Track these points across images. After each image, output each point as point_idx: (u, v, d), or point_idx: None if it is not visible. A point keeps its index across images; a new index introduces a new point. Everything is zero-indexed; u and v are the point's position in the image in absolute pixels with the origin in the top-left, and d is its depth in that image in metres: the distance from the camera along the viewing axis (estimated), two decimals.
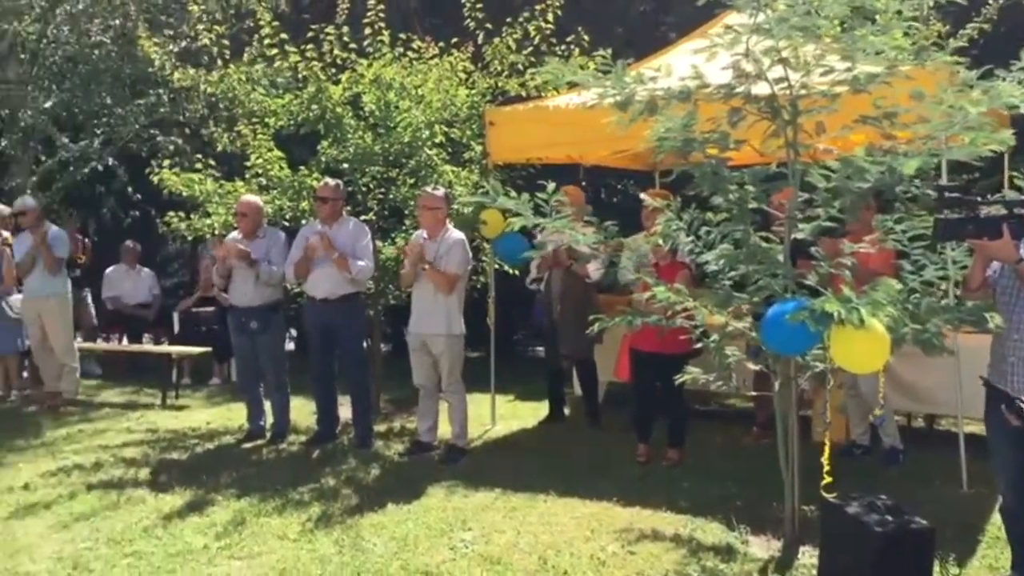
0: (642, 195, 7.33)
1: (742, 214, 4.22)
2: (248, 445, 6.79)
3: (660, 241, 4.90)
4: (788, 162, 4.25)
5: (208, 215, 7.47)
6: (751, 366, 4.61)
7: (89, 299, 10.01)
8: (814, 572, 4.08)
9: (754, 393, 6.40)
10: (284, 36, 7.32)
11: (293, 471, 5.98)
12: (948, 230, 3.54)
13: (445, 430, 6.52)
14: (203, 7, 8.67)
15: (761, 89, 4.18)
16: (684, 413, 6.14)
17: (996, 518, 4.74)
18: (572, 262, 6.85)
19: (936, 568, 3.90)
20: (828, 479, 3.93)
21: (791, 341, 3.78)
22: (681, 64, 4.34)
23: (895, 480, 5.41)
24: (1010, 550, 3.87)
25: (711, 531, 4.71)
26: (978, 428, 6.43)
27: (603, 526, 4.82)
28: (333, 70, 7.33)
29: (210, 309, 9.77)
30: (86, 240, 9.89)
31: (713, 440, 6.60)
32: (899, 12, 3.83)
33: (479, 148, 7.46)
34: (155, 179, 7.66)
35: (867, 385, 5.71)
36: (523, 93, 7.49)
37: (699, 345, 4.59)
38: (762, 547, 4.48)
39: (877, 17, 3.88)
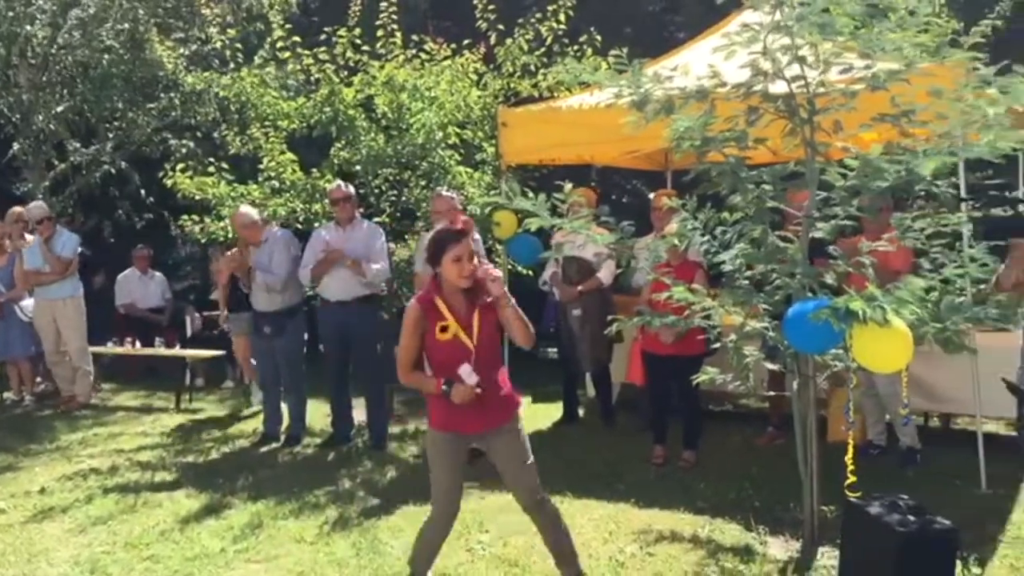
0: (652, 195, 7.35)
1: (760, 213, 4.19)
2: (263, 448, 6.79)
3: (676, 241, 4.87)
4: (806, 161, 4.23)
5: (221, 218, 7.47)
6: (769, 366, 4.59)
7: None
8: (834, 573, 4.06)
9: (769, 393, 6.38)
10: (297, 39, 7.33)
11: (309, 473, 5.98)
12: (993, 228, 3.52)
13: None
14: (215, 11, 8.67)
15: (778, 88, 4.15)
16: (699, 415, 6.13)
17: (1017, 518, 4.73)
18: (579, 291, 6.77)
19: (958, 568, 3.87)
20: (852, 479, 3.90)
21: (813, 340, 3.75)
22: (697, 63, 4.33)
23: (913, 480, 5.37)
24: None
25: (729, 532, 4.69)
26: (996, 428, 6.45)
27: (621, 528, 4.81)
28: (345, 72, 7.33)
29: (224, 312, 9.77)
30: None
31: (728, 441, 6.57)
32: (911, 12, 3.79)
33: (491, 149, 7.45)
34: (169, 182, 7.68)
35: (884, 385, 5.68)
36: (535, 94, 7.48)
37: (717, 345, 4.56)
38: (781, 548, 4.47)
39: (889, 15, 3.84)
